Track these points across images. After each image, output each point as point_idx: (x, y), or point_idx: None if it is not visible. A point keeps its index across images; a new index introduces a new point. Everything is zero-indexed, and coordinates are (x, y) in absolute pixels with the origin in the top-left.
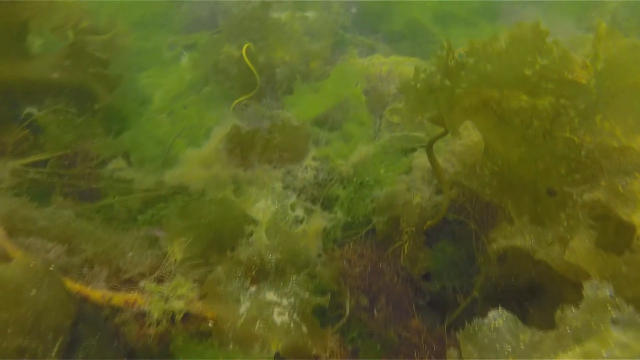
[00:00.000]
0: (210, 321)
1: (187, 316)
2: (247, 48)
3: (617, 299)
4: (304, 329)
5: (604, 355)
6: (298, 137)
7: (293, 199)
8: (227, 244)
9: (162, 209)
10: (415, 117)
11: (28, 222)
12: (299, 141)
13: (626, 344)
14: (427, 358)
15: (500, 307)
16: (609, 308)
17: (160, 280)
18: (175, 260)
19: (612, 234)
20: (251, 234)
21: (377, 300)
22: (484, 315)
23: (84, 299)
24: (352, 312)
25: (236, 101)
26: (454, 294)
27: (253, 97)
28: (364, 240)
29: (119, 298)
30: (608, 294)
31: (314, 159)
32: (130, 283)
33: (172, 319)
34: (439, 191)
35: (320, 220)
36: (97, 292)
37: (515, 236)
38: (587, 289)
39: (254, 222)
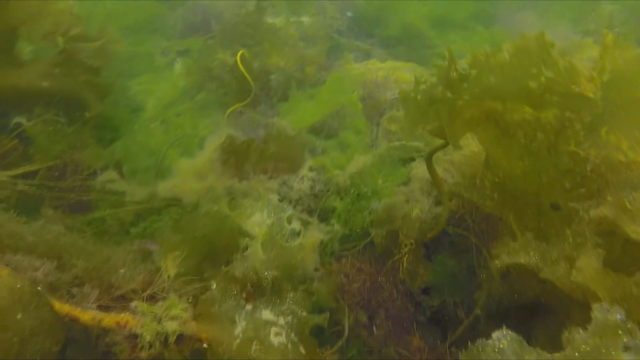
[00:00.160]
0: (205, 343)
1: (180, 338)
2: (242, 55)
3: (629, 324)
4: (302, 350)
5: None
6: (294, 146)
7: (289, 211)
8: (222, 258)
9: (155, 222)
10: (415, 128)
11: (15, 237)
12: (295, 151)
13: None
14: None
15: (504, 327)
16: (620, 333)
17: (153, 298)
18: (169, 275)
19: (619, 251)
20: (246, 248)
21: (376, 316)
22: (486, 333)
23: (74, 321)
24: (351, 329)
25: (230, 109)
26: (455, 310)
27: (248, 105)
28: (362, 254)
29: (109, 319)
30: (619, 318)
31: (310, 169)
32: (123, 299)
33: (165, 340)
34: (438, 202)
35: (317, 233)
36: (87, 314)
37: (518, 253)
38: (597, 312)
39: (249, 235)
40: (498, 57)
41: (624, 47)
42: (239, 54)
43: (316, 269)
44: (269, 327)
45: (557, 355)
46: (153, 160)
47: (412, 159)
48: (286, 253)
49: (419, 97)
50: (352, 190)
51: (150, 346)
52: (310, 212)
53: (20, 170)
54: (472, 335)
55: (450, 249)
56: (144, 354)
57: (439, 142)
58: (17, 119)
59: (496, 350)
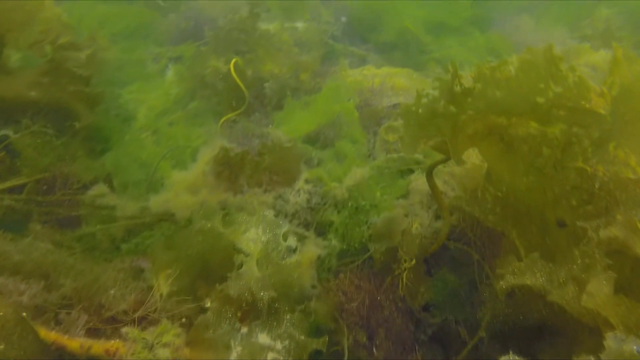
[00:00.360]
0: None
1: None
2: (235, 63)
3: None
4: None
5: None
6: (289, 158)
7: (285, 227)
8: (216, 275)
9: (147, 238)
10: (416, 143)
11: (1, 257)
12: (291, 163)
13: None
14: None
15: (510, 353)
16: None
17: (144, 319)
18: (161, 295)
19: (629, 273)
20: (241, 265)
21: (376, 336)
22: (490, 355)
23: (60, 350)
24: (350, 350)
25: (224, 118)
26: (457, 328)
27: (242, 113)
28: (361, 270)
29: (98, 347)
30: (635, 349)
31: (307, 181)
32: (113, 321)
33: None
34: (438, 216)
35: (313, 249)
36: (75, 341)
37: (524, 273)
38: (610, 341)
39: (244, 253)
40: (504, 71)
41: (633, 61)
42: (232, 62)
43: (313, 286)
44: (266, 352)
45: None
46: (144, 173)
47: (411, 171)
48: (282, 271)
49: (420, 110)
50: (349, 204)
51: None
52: (306, 226)
53: (6, 185)
54: (476, 357)
55: (451, 264)
56: None
57: (439, 154)
58: (4, 131)
59: None
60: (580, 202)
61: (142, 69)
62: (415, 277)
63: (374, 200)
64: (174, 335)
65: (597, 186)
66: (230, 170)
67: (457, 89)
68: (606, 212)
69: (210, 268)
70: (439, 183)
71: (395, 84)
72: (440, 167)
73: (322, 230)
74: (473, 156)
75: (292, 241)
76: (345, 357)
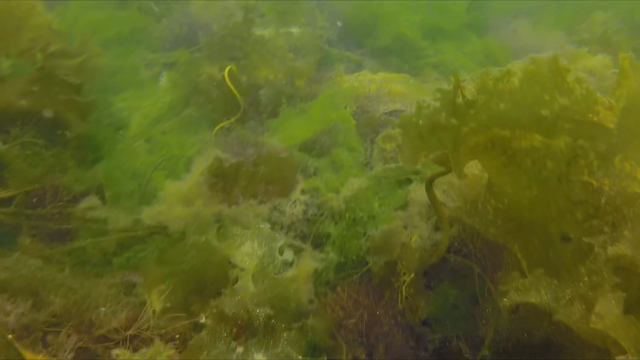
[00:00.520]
0: None
1: None
2: (229, 70)
3: None
4: None
5: None
6: (285, 168)
7: (281, 241)
8: (211, 290)
9: (140, 252)
10: (416, 156)
11: None
12: (286, 173)
13: None
14: None
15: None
16: None
17: (136, 337)
18: (154, 311)
19: (638, 292)
20: (236, 280)
21: (375, 353)
22: None
23: None
24: None
25: (218, 126)
26: (458, 344)
27: (236, 121)
28: (359, 283)
29: None
30: None
31: (303, 192)
32: (104, 340)
33: None
34: (438, 227)
35: (310, 262)
36: None
37: (529, 290)
38: None
39: (239, 267)
40: (507, 82)
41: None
42: (226, 70)
43: (311, 301)
44: None
45: None
46: (137, 184)
47: (410, 181)
48: (278, 285)
49: (420, 122)
50: (347, 215)
51: None
52: (303, 237)
53: None
54: None
55: (451, 276)
56: None
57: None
58: None
59: None
60: (585, 216)
61: (136, 76)
62: (415, 291)
63: (371, 211)
64: (167, 357)
65: (603, 201)
66: (224, 181)
67: (460, 100)
68: (613, 228)
69: (204, 283)
70: (438, 193)
71: (392, 89)
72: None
73: (319, 243)
74: (473, 166)
75: (288, 255)
76: None
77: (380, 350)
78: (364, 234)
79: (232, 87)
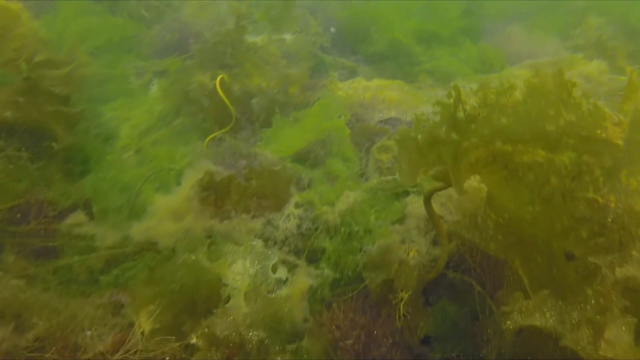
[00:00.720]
0: None
1: None
2: (221, 79)
3: None
4: None
5: None
6: (278, 181)
7: (274, 259)
8: (202, 310)
9: (128, 269)
10: (415, 172)
11: None
12: (280, 186)
13: None
14: None
15: None
16: None
17: None
18: (143, 333)
19: None
20: (228, 299)
21: None
22: None
23: None
24: None
25: (209, 137)
26: None
27: (229, 131)
28: (355, 301)
29: None
30: None
31: (297, 205)
32: None
33: None
34: (436, 241)
35: (305, 278)
36: None
37: (533, 313)
38: None
39: (231, 287)
40: (510, 96)
41: None
42: (218, 79)
43: (305, 320)
44: None
45: None
46: (126, 198)
47: (407, 193)
48: (272, 305)
49: (419, 136)
50: (342, 229)
51: None
52: (297, 253)
53: None
54: None
55: (451, 292)
56: None
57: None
58: None
59: None
60: (590, 234)
61: (126, 85)
62: (413, 309)
63: (368, 225)
64: None
65: (610, 219)
66: (216, 195)
67: (460, 114)
68: (620, 248)
69: (195, 302)
70: (436, 206)
71: (387, 97)
72: None
73: (313, 258)
74: (471, 178)
75: (282, 272)
76: None
77: None
78: (360, 249)
79: (223, 96)
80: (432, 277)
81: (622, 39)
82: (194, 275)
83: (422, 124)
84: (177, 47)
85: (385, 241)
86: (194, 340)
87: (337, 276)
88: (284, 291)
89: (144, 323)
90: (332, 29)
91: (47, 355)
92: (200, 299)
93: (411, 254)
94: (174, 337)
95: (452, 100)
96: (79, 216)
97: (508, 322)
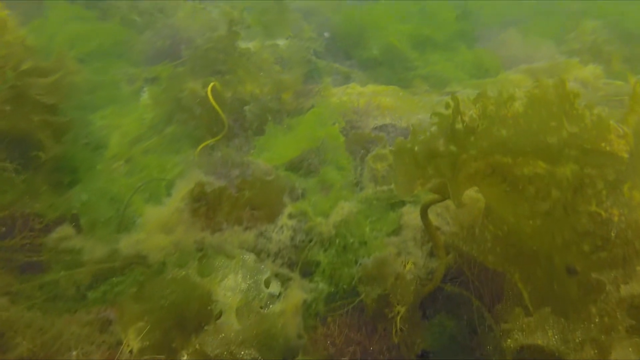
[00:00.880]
0: None
1: None
2: (213, 86)
3: None
4: None
5: None
6: (271, 192)
7: (267, 273)
8: (192, 326)
9: (117, 285)
10: (411, 185)
11: None
12: (272, 197)
13: None
14: None
15: None
16: None
17: None
18: (131, 351)
19: None
20: (220, 315)
21: None
22: None
23: None
24: None
25: (201, 146)
26: None
27: (221, 139)
28: (351, 316)
29: None
30: None
31: (290, 216)
32: None
33: None
34: (433, 253)
35: (299, 293)
36: None
37: (534, 332)
38: None
39: (222, 303)
40: (510, 107)
41: None
42: (209, 87)
43: (299, 336)
44: None
45: None
46: (115, 210)
47: (403, 203)
48: (265, 321)
49: (416, 148)
50: (337, 241)
51: None
52: (291, 265)
53: None
54: None
55: (448, 305)
56: None
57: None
58: None
59: None
60: (593, 248)
61: (116, 92)
62: (410, 324)
63: (363, 236)
64: None
65: (613, 234)
66: (207, 206)
67: (459, 126)
68: (624, 263)
69: (185, 319)
70: (432, 216)
71: (381, 103)
72: None
73: (307, 271)
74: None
75: (275, 287)
76: None
77: None
78: (356, 262)
79: (215, 105)
80: (429, 291)
81: (617, 42)
82: (184, 290)
83: (419, 135)
84: (168, 53)
85: (381, 254)
86: (184, 358)
87: (332, 290)
88: (277, 306)
89: (133, 341)
90: (326, 34)
91: None
92: (191, 315)
93: (408, 266)
94: (163, 356)
95: (450, 111)
96: (66, 229)
97: (509, 340)
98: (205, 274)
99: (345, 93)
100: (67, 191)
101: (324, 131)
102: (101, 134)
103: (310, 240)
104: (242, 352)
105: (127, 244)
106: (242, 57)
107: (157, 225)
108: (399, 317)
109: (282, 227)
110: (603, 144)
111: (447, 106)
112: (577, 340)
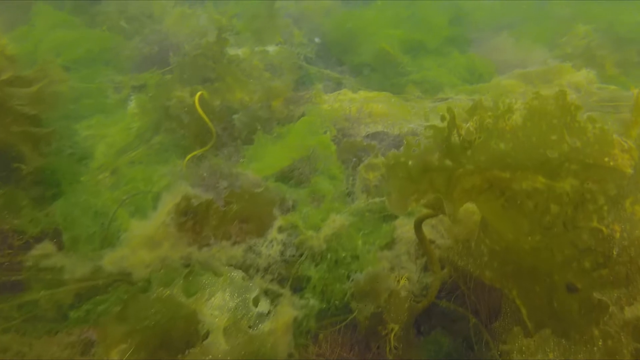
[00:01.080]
0: None
1: None
2: (201, 95)
3: None
4: None
5: None
6: (260, 204)
7: (256, 291)
8: (178, 349)
9: (100, 303)
10: (405, 201)
11: None
12: (262, 209)
13: None
14: None
15: None
16: None
17: None
18: None
19: None
20: (207, 335)
21: None
22: None
23: None
24: None
25: (189, 156)
26: None
27: (209, 149)
28: (343, 334)
29: None
30: None
31: (280, 229)
32: None
33: None
34: (428, 268)
35: (289, 310)
36: None
37: (535, 353)
38: None
39: (209, 322)
40: (509, 120)
41: None
42: (197, 96)
43: (290, 355)
44: None
45: None
46: (99, 224)
47: (396, 215)
48: (254, 341)
49: (410, 162)
50: (328, 255)
51: None
52: (281, 281)
53: None
54: None
55: (444, 321)
56: None
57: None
58: None
59: None
60: (594, 265)
61: (103, 100)
62: (405, 341)
63: (355, 250)
64: None
65: (615, 251)
66: (194, 220)
67: (455, 139)
68: (627, 283)
69: (171, 340)
70: (426, 229)
71: (373, 110)
72: None
73: (298, 287)
74: None
75: (264, 305)
76: None
77: None
78: (348, 277)
79: (203, 115)
80: (424, 307)
81: (609, 47)
82: (169, 310)
83: (413, 148)
84: (156, 60)
85: (374, 268)
86: None
87: (324, 306)
88: (266, 325)
89: None
90: (317, 39)
91: None
92: (177, 336)
93: (402, 282)
94: None
95: (445, 124)
96: (46, 246)
97: None
98: (191, 293)
99: (337, 99)
100: (49, 205)
101: (315, 140)
102: (86, 144)
103: (301, 255)
104: None
105: (110, 260)
106: (231, 64)
107: (142, 241)
108: (392, 335)
109: (271, 241)
110: (606, 159)
111: (443, 119)
112: None
